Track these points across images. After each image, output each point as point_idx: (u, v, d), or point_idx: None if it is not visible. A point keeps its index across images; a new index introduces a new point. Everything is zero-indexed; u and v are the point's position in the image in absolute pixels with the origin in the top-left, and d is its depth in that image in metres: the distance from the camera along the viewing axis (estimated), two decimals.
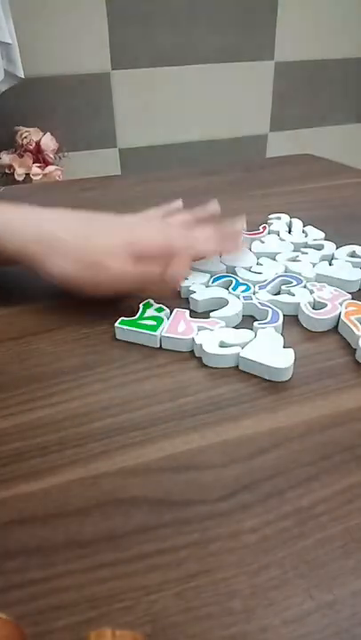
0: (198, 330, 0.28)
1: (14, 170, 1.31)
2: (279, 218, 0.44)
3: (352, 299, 0.31)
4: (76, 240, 0.30)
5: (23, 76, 1.22)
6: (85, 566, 0.17)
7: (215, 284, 0.33)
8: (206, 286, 0.33)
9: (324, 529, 0.18)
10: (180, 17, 1.44)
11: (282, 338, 0.27)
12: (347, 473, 0.20)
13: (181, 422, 0.23)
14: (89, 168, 1.49)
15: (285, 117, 1.70)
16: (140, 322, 0.29)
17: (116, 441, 0.22)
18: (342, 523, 0.18)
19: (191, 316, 0.30)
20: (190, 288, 0.32)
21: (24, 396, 0.25)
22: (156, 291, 0.32)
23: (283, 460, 0.21)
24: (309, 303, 0.30)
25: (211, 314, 0.30)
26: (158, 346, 0.28)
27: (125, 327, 0.29)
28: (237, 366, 0.26)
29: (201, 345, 0.27)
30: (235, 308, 0.30)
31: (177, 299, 0.33)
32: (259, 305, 0.30)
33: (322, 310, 0.30)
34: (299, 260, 0.36)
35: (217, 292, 0.32)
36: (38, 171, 1.32)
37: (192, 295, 0.31)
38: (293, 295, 0.31)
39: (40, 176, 1.32)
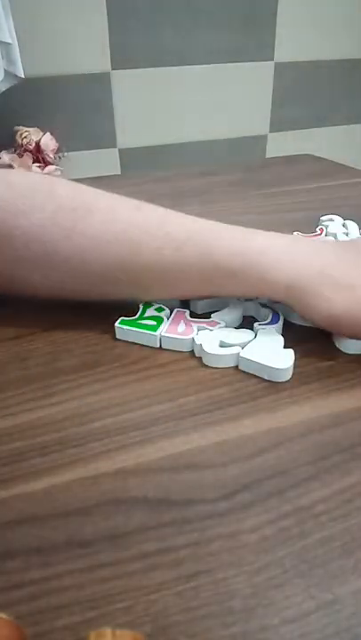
0: (198, 330, 0.28)
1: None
2: (332, 220, 0.43)
3: None
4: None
5: (23, 76, 1.22)
6: (85, 566, 0.17)
7: None
8: None
9: (323, 528, 0.18)
10: (180, 17, 1.44)
11: (282, 338, 0.27)
12: (346, 472, 0.20)
13: (181, 422, 0.23)
14: (89, 168, 1.49)
15: (285, 118, 1.70)
16: (139, 322, 0.29)
17: (116, 441, 0.22)
18: (342, 522, 0.18)
19: (191, 316, 0.30)
20: None
21: (24, 396, 0.25)
22: None
23: (282, 460, 0.21)
24: None
25: (212, 315, 0.30)
26: (158, 346, 0.28)
27: (125, 327, 0.29)
28: (237, 366, 0.26)
29: (201, 345, 0.27)
30: (235, 311, 0.30)
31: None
32: (260, 306, 0.30)
33: None
34: None
35: None
36: (38, 170, 1.32)
37: None
38: None
39: None
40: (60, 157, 1.40)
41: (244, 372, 0.26)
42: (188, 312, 0.30)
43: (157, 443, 0.22)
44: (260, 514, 0.19)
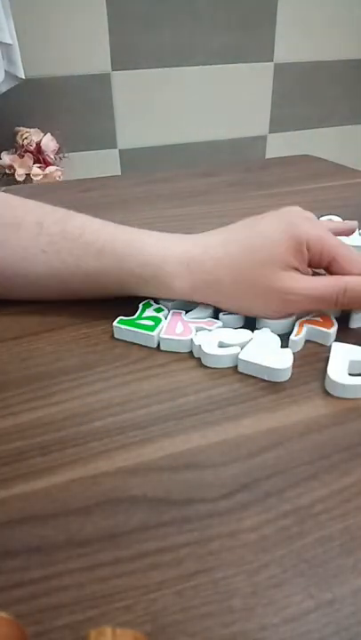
0: (197, 330, 0.28)
1: (15, 170, 1.32)
2: (332, 220, 0.43)
3: None
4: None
5: (24, 77, 1.23)
6: (86, 565, 0.17)
7: None
8: None
9: (323, 528, 0.18)
10: (180, 18, 1.44)
11: (279, 338, 0.27)
12: (345, 472, 0.20)
13: (181, 422, 0.23)
14: (89, 168, 1.49)
15: (285, 118, 1.71)
16: (138, 321, 0.29)
17: (116, 440, 0.22)
18: (341, 521, 0.18)
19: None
20: None
21: (24, 396, 0.25)
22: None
23: (282, 460, 0.21)
24: None
25: (220, 315, 0.29)
26: (155, 346, 0.28)
27: (123, 327, 0.29)
28: (236, 366, 0.26)
29: (200, 345, 0.27)
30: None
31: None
32: None
33: None
34: None
35: None
36: (39, 171, 1.32)
37: None
38: None
39: (40, 176, 1.32)
40: (60, 158, 1.40)
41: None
42: (184, 312, 0.30)
43: (157, 442, 0.22)
44: (259, 513, 0.19)
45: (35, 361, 0.28)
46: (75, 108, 1.46)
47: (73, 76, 1.42)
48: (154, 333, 0.28)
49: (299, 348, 0.28)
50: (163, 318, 0.29)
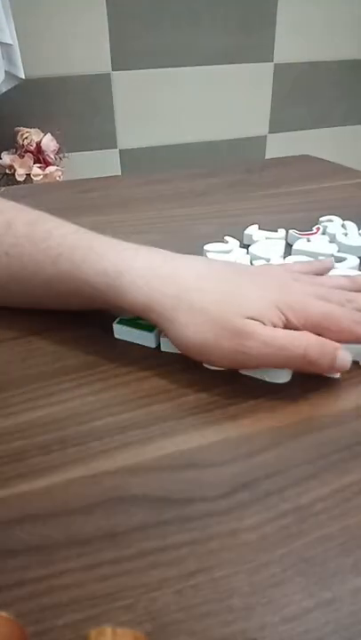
0: None
1: (15, 170, 1.32)
2: (331, 220, 0.43)
3: None
4: (215, 296, 0.25)
5: (24, 77, 1.23)
6: (86, 564, 0.17)
7: None
8: None
9: (323, 527, 0.18)
10: (180, 18, 1.44)
11: None
12: (345, 471, 0.20)
13: (181, 421, 0.23)
14: (89, 169, 1.49)
15: (285, 119, 1.71)
16: (138, 321, 0.29)
17: (116, 440, 0.22)
18: (341, 521, 0.18)
19: None
20: None
21: (25, 396, 0.25)
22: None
23: (282, 459, 0.21)
24: None
25: None
26: (155, 346, 0.28)
27: (123, 326, 0.29)
28: None
29: None
30: None
31: None
32: None
33: None
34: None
35: None
36: (39, 171, 1.32)
37: None
38: None
39: (41, 177, 1.32)
40: (60, 158, 1.40)
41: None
42: None
43: (158, 442, 0.22)
44: (259, 512, 0.19)
45: (35, 360, 0.28)
46: (75, 108, 1.46)
47: (73, 76, 1.43)
48: (153, 333, 0.28)
49: None
50: None
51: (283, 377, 0.25)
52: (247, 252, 0.38)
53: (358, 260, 0.36)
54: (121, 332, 0.29)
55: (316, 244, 0.39)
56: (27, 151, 1.33)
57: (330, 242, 0.39)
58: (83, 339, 0.29)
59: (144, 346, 0.28)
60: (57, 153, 1.38)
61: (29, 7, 1.30)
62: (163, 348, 0.28)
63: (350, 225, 0.42)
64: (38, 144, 1.34)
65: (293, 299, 0.25)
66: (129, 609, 0.16)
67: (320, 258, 0.36)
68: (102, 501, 0.19)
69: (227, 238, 0.39)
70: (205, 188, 0.57)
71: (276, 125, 1.71)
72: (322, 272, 0.30)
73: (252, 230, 0.41)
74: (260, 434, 0.22)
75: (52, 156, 1.36)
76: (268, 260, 0.36)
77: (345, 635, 0.15)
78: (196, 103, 1.58)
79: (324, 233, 0.41)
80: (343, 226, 0.42)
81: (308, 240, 0.39)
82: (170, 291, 0.25)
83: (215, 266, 0.27)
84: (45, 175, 1.32)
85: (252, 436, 0.22)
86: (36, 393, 0.25)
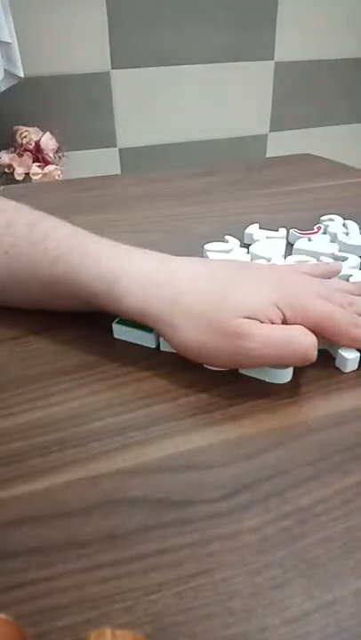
0: None
1: (14, 169, 1.32)
2: (333, 220, 0.43)
3: None
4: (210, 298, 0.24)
5: (23, 76, 1.22)
6: (85, 566, 0.17)
7: None
8: None
9: (323, 528, 0.18)
10: (180, 17, 1.44)
11: None
12: (347, 473, 0.20)
13: (181, 422, 0.23)
14: (89, 168, 1.49)
15: (285, 117, 1.70)
16: None
17: (116, 441, 0.22)
18: (342, 522, 0.18)
19: None
20: None
21: (24, 396, 0.25)
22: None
23: (283, 460, 0.21)
24: None
25: None
26: (154, 346, 0.28)
27: (122, 326, 0.29)
28: None
29: None
30: None
31: None
32: None
33: None
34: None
35: None
36: (38, 170, 1.32)
37: None
38: None
39: (40, 175, 1.32)
40: (59, 157, 1.40)
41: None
42: None
43: (157, 443, 0.22)
44: (260, 514, 0.19)
45: (34, 361, 0.28)
46: (74, 106, 1.46)
47: (72, 75, 1.42)
48: (153, 333, 0.28)
49: None
50: None
51: (284, 377, 0.25)
52: (248, 252, 0.38)
53: (359, 260, 0.36)
54: (121, 332, 0.29)
55: (317, 243, 0.38)
56: (26, 150, 1.33)
57: (331, 241, 0.39)
58: (82, 339, 0.29)
59: (144, 346, 0.28)
60: (56, 152, 1.38)
61: (28, 5, 1.30)
62: (162, 348, 0.28)
63: (351, 224, 0.42)
64: (37, 143, 1.34)
65: (293, 295, 0.25)
66: (129, 611, 0.16)
67: (321, 257, 0.36)
68: (102, 503, 0.19)
69: (227, 237, 0.39)
70: (206, 187, 0.57)
71: (277, 124, 1.70)
72: (329, 275, 0.30)
73: (253, 229, 0.41)
74: (260, 435, 0.22)
75: (51, 155, 1.36)
76: (268, 260, 0.36)
77: (346, 637, 0.15)
78: (197, 101, 1.58)
79: (325, 232, 0.41)
80: (344, 225, 0.42)
81: (309, 239, 0.39)
82: (166, 295, 0.25)
83: (211, 266, 0.27)
84: (44, 174, 1.32)
85: (253, 437, 0.22)
86: (36, 393, 0.25)
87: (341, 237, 0.39)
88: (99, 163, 1.54)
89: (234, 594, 0.16)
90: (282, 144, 1.73)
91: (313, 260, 0.36)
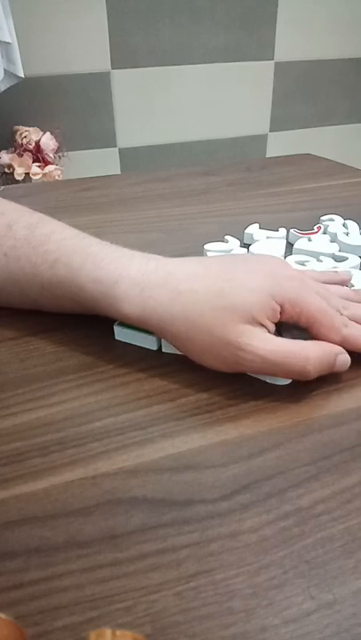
0: None
1: (14, 169, 1.32)
2: (333, 219, 0.43)
3: None
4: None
5: (23, 76, 1.22)
6: (85, 566, 0.17)
7: None
8: None
9: (324, 528, 0.18)
10: (180, 17, 1.44)
11: None
12: (346, 472, 0.20)
13: (181, 422, 0.23)
14: (89, 167, 1.49)
15: (285, 117, 1.70)
16: None
17: (116, 441, 0.22)
18: (342, 522, 0.18)
19: None
20: None
21: (24, 396, 0.25)
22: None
23: (283, 460, 0.21)
24: None
25: None
26: (155, 348, 0.28)
27: (124, 328, 0.29)
28: None
29: None
30: None
31: None
32: None
33: None
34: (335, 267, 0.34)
35: None
36: (38, 170, 1.32)
37: None
38: None
39: (40, 175, 1.32)
40: (59, 157, 1.40)
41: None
42: None
43: (157, 443, 0.22)
44: (260, 514, 0.19)
45: (34, 361, 0.28)
46: (74, 106, 1.46)
47: (72, 75, 1.42)
48: (154, 335, 0.28)
49: None
50: None
51: (283, 380, 0.25)
52: (248, 252, 0.38)
53: (360, 260, 0.36)
54: (122, 333, 0.29)
55: (317, 243, 0.38)
56: (26, 150, 1.33)
57: (331, 241, 0.39)
58: (82, 339, 0.29)
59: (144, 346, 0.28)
60: (56, 152, 1.38)
61: (29, 5, 1.30)
62: (164, 350, 0.28)
63: (352, 224, 0.42)
64: (37, 143, 1.34)
65: (290, 285, 0.24)
66: (128, 611, 0.16)
67: (321, 257, 0.36)
68: (102, 503, 0.19)
69: (227, 237, 0.39)
70: (206, 187, 0.57)
71: (277, 124, 1.70)
72: (336, 283, 0.29)
73: (253, 229, 0.41)
74: (260, 435, 0.22)
75: (52, 155, 1.36)
76: None
77: (346, 637, 0.15)
78: (197, 101, 1.58)
79: (325, 232, 0.41)
80: (344, 225, 0.42)
81: (310, 239, 0.39)
82: (163, 297, 0.25)
83: (207, 263, 0.27)
84: (44, 174, 1.32)
85: (253, 437, 0.22)
86: (35, 394, 0.25)
87: (341, 237, 0.39)
88: (99, 163, 1.54)
89: (234, 594, 0.16)
90: (282, 144, 1.73)
91: (313, 260, 0.36)
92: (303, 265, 0.35)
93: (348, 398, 0.24)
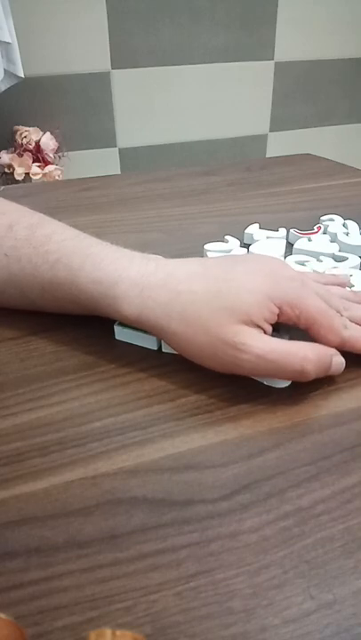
0: None
1: (14, 169, 1.32)
2: (333, 220, 0.43)
3: None
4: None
5: (23, 76, 1.22)
6: (85, 566, 0.17)
7: None
8: None
9: (324, 528, 0.18)
10: (180, 17, 1.44)
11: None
12: (346, 472, 0.20)
13: (181, 422, 0.23)
14: (89, 167, 1.49)
15: (285, 117, 1.70)
16: None
17: (116, 441, 0.22)
18: (342, 522, 0.18)
19: None
20: None
21: (24, 396, 0.25)
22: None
23: (283, 460, 0.21)
24: None
25: None
26: (156, 348, 0.28)
27: (124, 328, 0.29)
28: None
29: None
30: None
31: None
32: None
33: None
34: (335, 266, 0.34)
35: None
36: (38, 170, 1.32)
37: None
38: None
39: (40, 175, 1.32)
40: (59, 157, 1.40)
41: None
42: None
43: (157, 443, 0.22)
44: (260, 514, 0.19)
45: (34, 361, 0.28)
46: (74, 106, 1.46)
47: (72, 75, 1.42)
48: (154, 335, 0.28)
49: None
50: None
51: (281, 382, 0.25)
52: (248, 252, 0.38)
53: (360, 260, 0.36)
54: (122, 333, 0.29)
55: (317, 243, 0.38)
56: (26, 150, 1.33)
57: (331, 241, 0.39)
58: (82, 339, 0.29)
59: (144, 346, 0.28)
60: (56, 152, 1.38)
61: (29, 5, 1.30)
62: (164, 350, 0.28)
63: (352, 224, 0.42)
64: (37, 143, 1.34)
65: (291, 286, 0.24)
66: (128, 611, 0.16)
67: (321, 257, 0.36)
68: (101, 503, 0.19)
69: (227, 237, 0.39)
70: (206, 187, 0.57)
71: (277, 124, 1.70)
72: (335, 285, 0.29)
73: (253, 229, 0.41)
74: (260, 435, 0.22)
75: (51, 155, 1.36)
76: None
77: (346, 637, 0.15)
78: (197, 101, 1.58)
79: (325, 232, 0.41)
80: (344, 225, 0.42)
81: (310, 239, 0.39)
82: (162, 297, 0.24)
83: (207, 263, 0.27)
84: (44, 174, 1.32)
85: (253, 437, 0.22)
86: (35, 394, 0.25)
87: (341, 237, 0.39)
88: (99, 162, 1.54)
89: (234, 594, 0.16)
90: (282, 144, 1.73)
91: (313, 260, 0.36)
92: (303, 265, 0.35)
93: (348, 398, 0.24)
